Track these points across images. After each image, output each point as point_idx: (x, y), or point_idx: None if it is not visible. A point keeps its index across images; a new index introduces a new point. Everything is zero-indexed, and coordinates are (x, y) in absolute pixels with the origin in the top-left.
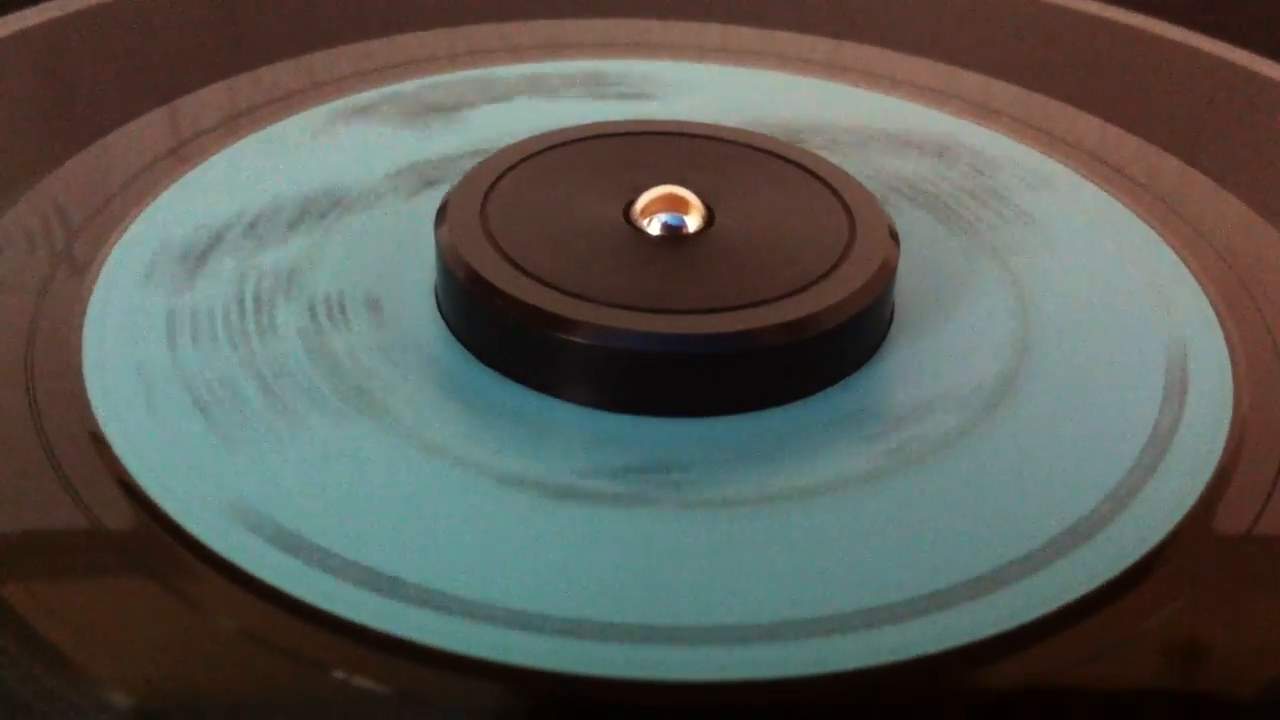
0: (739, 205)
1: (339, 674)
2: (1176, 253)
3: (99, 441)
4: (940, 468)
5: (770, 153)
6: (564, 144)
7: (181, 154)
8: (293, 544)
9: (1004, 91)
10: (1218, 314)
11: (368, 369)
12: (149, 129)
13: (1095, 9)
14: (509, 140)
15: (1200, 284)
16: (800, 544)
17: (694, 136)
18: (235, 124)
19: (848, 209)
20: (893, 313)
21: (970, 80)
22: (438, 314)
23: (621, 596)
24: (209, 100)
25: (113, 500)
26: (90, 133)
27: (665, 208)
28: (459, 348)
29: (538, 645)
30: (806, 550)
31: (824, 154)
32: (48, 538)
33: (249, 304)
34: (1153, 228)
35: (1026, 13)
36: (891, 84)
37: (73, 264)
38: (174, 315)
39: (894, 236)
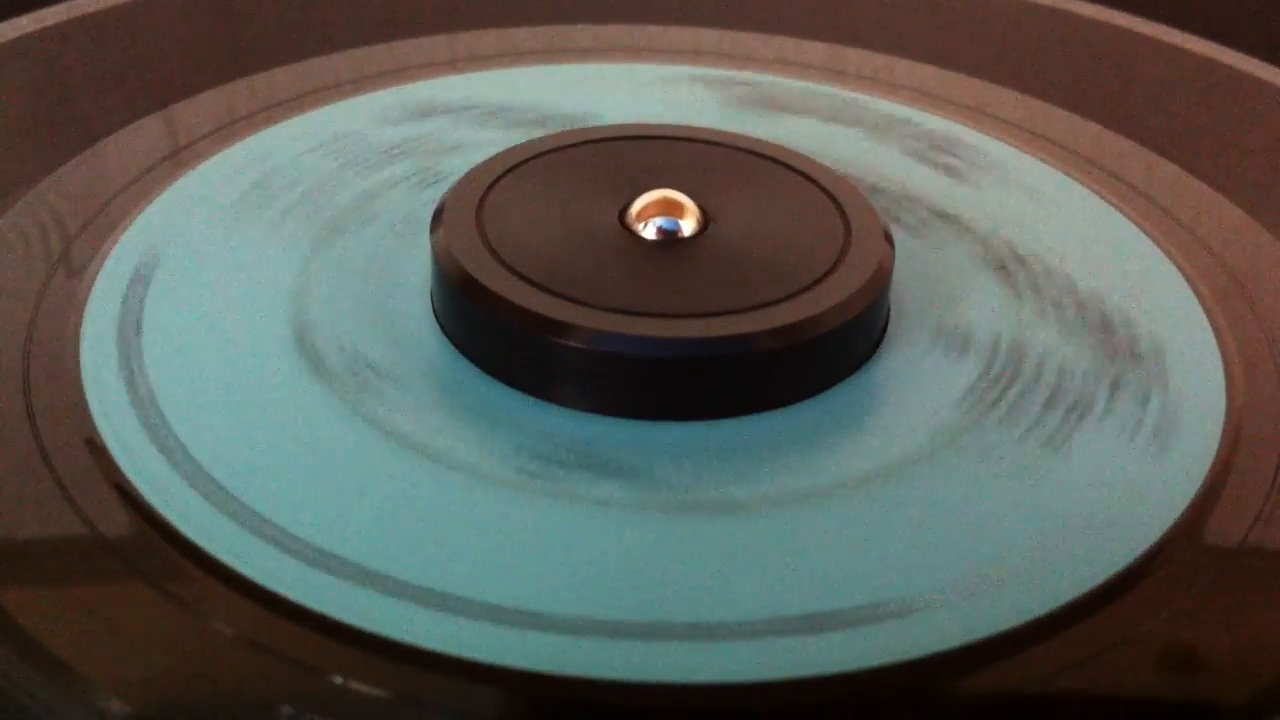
0: (734, 209)
1: (338, 678)
2: (1172, 257)
3: (95, 447)
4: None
5: (765, 156)
6: (559, 148)
7: (178, 159)
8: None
9: (1000, 95)
10: (1212, 319)
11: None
12: (145, 134)
13: (1092, 12)
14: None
15: (1195, 288)
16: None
17: (689, 140)
18: (231, 129)
19: (843, 213)
20: (888, 317)
21: (966, 84)
22: (433, 317)
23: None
24: (205, 105)
25: (109, 505)
26: (86, 138)
27: (660, 212)
28: (454, 351)
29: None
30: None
31: (820, 157)
32: (44, 543)
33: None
34: (1148, 233)
35: (1022, 16)
36: (888, 88)
37: (69, 268)
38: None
39: (889, 240)
